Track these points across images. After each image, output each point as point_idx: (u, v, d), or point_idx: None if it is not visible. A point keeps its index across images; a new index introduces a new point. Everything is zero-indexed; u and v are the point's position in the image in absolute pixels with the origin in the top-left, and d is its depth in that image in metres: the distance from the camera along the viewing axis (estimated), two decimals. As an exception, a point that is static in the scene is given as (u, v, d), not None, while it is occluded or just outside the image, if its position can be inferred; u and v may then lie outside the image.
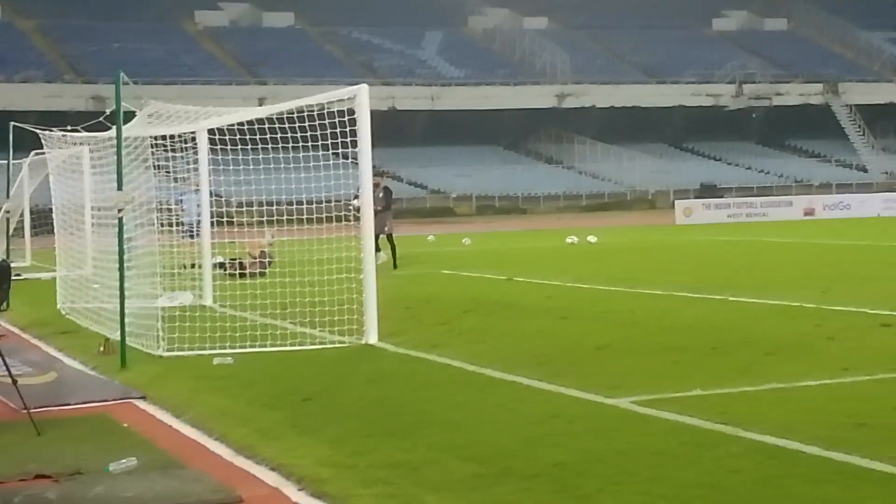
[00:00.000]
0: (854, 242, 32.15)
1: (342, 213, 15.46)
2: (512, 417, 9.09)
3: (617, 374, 10.84)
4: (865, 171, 77.67)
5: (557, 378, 10.60)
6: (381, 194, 23.99)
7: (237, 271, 22.15)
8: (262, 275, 20.72)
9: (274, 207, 20.18)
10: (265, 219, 22.51)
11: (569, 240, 35.17)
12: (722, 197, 62.00)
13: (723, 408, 9.03)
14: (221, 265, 22.19)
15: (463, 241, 37.39)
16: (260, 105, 46.02)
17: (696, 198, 62.04)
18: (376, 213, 17.55)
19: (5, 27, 76.38)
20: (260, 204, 19.42)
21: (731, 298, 17.30)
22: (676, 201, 58.07)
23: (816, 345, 12.41)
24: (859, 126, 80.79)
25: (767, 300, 16.86)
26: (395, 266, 25.16)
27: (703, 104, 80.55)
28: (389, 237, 25.43)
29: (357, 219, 15.79)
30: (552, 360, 11.88)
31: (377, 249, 18.86)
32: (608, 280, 21.17)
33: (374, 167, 14.68)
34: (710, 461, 7.49)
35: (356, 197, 20.16)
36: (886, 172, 75.86)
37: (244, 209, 18.38)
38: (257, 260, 22.49)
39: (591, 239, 35.53)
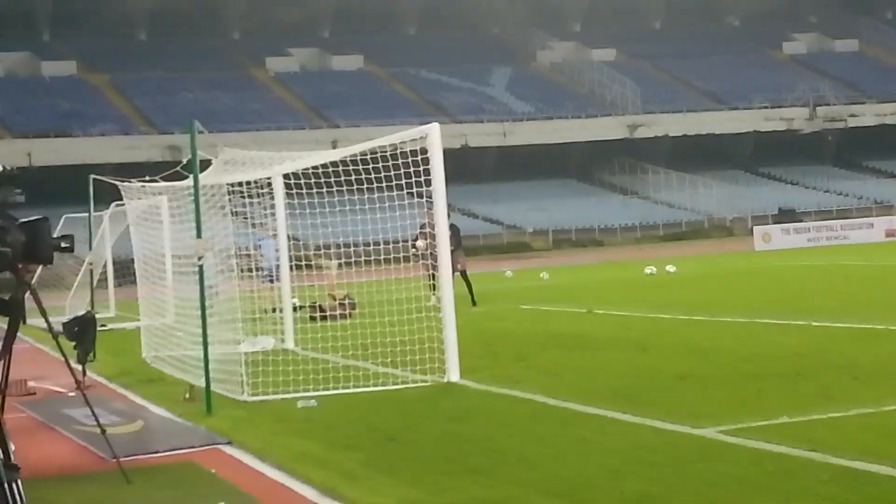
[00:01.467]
0: (937, 262, 31.66)
1: (411, 254, 15.54)
2: (594, 450, 9.05)
3: (699, 403, 10.76)
4: (947, 189, 76.58)
5: (639, 409, 10.54)
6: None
7: (318, 314, 22.33)
8: (344, 317, 20.96)
9: (351, 249, 20.29)
10: (342, 260, 22.69)
11: (647, 270, 34.96)
12: (801, 221, 61.25)
13: (809, 434, 8.92)
14: (301, 308, 22.42)
15: (541, 275, 37.34)
16: (333, 148, 46.46)
17: (775, 223, 61.41)
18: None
19: (79, 83, 77.89)
20: (337, 246, 19.57)
21: (813, 323, 17.11)
22: (755, 227, 57.56)
23: (902, 367, 12.24)
24: (938, 144, 79.75)
25: (851, 323, 16.65)
26: (473, 303, 25.15)
27: (776, 128, 79.97)
28: (463, 274, 25.23)
29: (417, 258, 15.81)
30: (633, 391, 11.83)
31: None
32: (688, 309, 21.03)
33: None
34: (798, 489, 7.41)
35: (417, 238, 20.21)
36: (967, 189, 74.74)
37: (322, 252, 18.54)
38: (337, 302, 22.64)
39: (670, 268, 35.34)
